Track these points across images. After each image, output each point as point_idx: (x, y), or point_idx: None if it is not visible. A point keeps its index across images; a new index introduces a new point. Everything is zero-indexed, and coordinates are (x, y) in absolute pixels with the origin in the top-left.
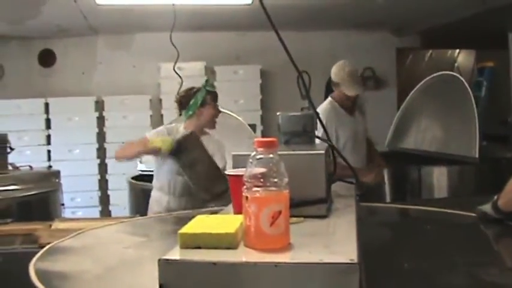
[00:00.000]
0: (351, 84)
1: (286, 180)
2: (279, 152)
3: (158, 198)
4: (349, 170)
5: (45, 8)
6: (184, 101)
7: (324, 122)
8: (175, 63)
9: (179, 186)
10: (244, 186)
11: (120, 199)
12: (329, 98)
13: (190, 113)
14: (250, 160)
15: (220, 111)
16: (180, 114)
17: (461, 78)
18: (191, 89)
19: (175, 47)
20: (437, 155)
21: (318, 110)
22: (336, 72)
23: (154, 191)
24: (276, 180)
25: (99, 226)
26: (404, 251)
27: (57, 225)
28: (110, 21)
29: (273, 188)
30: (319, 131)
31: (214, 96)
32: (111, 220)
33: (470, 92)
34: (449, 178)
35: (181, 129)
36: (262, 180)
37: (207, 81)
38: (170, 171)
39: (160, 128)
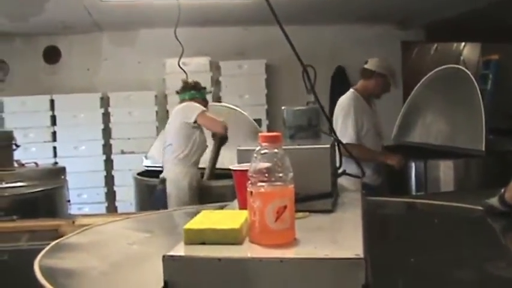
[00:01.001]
0: (397, 79)
1: (291, 175)
2: (284, 147)
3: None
4: (374, 152)
5: (50, 5)
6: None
7: (353, 109)
8: (180, 58)
9: None
10: (249, 181)
11: (126, 195)
12: (351, 90)
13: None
14: (255, 155)
15: None
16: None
17: (467, 71)
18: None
19: (180, 42)
20: (443, 148)
21: (343, 99)
22: (383, 65)
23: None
24: (280, 175)
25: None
26: (411, 245)
27: (80, 221)
28: (115, 18)
29: (278, 183)
30: (337, 123)
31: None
32: (132, 215)
33: (476, 85)
34: (456, 171)
35: None
36: (267, 175)
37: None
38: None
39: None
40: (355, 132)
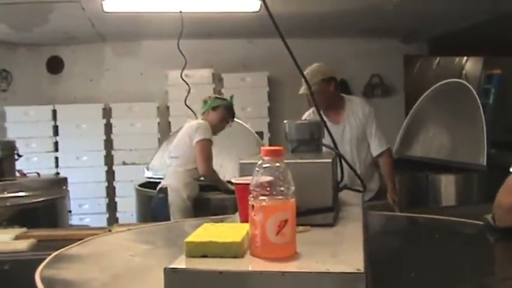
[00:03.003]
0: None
1: (292, 188)
2: (286, 161)
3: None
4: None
5: (53, 16)
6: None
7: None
8: (183, 70)
9: None
10: (251, 195)
11: (128, 206)
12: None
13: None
14: (257, 169)
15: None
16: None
17: (469, 86)
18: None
19: (182, 54)
20: (445, 162)
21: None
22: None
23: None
24: (282, 189)
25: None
26: (412, 260)
27: (116, 230)
28: (118, 29)
29: (280, 197)
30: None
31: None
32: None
33: (478, 100)
34: (457, 186)
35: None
36: (268, 189)
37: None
38: None
39: (205, 124)
40: None
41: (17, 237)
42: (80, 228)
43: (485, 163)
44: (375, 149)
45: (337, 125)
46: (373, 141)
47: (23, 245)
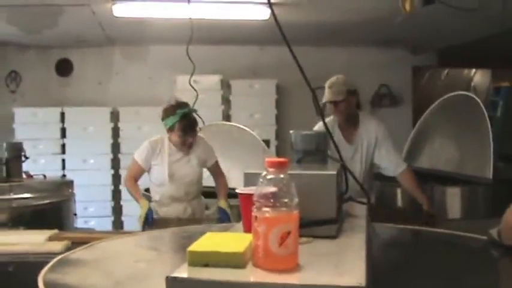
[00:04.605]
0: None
1: (296, 200)
2: (291, 171)
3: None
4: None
5: (63, 19)
6: (164, 114)
7: None
8: (191, 76)
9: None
10: (254, 206)
11: (133, 210)
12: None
13: (166, 127)
14: (261, 180)
15: (186, 142)
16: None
17: (476, 98)
18: (176, 105)
19: (191, 60)
20: (451, 175)
21: (377, 122)
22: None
23: None
24: (286, 200)
25: None
26: (414, 273)
27: None
28: (127, 33)
29: (283, 209)
30: (382, 147)
31: (185, 125)
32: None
33: (485, 112)
34: (463, 199)
35: (166, 141)
36: (272, 200)
37: (187, 106)
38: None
39: (145, 144)
40: None
41: (51, 239)
42: (111, 232)
43: (491, 177)
44: (394, 169)
45: (350, 145)
46: (391, 161)
47: (57, 246)
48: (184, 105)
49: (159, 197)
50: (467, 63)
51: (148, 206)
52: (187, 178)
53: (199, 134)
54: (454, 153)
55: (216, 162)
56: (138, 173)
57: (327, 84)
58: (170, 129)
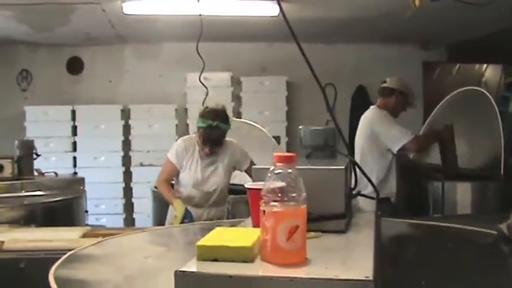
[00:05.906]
0: (415, 98)
1: (304, 195)
2: (299, 167)
3: None
4: (430, 134)
5: (74, 17)
6: (199, 114)
7: (390, 117)
8: (201, 73)
9: None
10: (262, 200)
11: (144, 207)
12: (375, 107)
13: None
14: (269, 174)
15: (203, 150)
16: None
17: (487, 94)
18: (207, 112)
19: (201, 57)
20: (461, 170)
21: (374, 114)
22: (403, 83)
23: None
24: (293, 195)
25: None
26: (423, 268)
27: None
28: (137, 31)
29: (291, 203)
30: (380, 134)
31: (205, 135)
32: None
33: (496, 108)
34: (473, 194)
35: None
36: (280, 194)
37: (216, 117)
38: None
39: (178, 142)
40: (405, 129)
41: (84, 235)
42: (138, 228)
43: (502, 172)
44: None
45: None
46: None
47: (91, 243)
48: (212, 115)
49: (178, 196)
50: (478, 59)
51: (183, 206)
52: (212, 187)
53: (229, 139)
54: (464, 149)
55: (251, 165)
56: (171, 173)
57: (408, 90)
58: (197, 130)
